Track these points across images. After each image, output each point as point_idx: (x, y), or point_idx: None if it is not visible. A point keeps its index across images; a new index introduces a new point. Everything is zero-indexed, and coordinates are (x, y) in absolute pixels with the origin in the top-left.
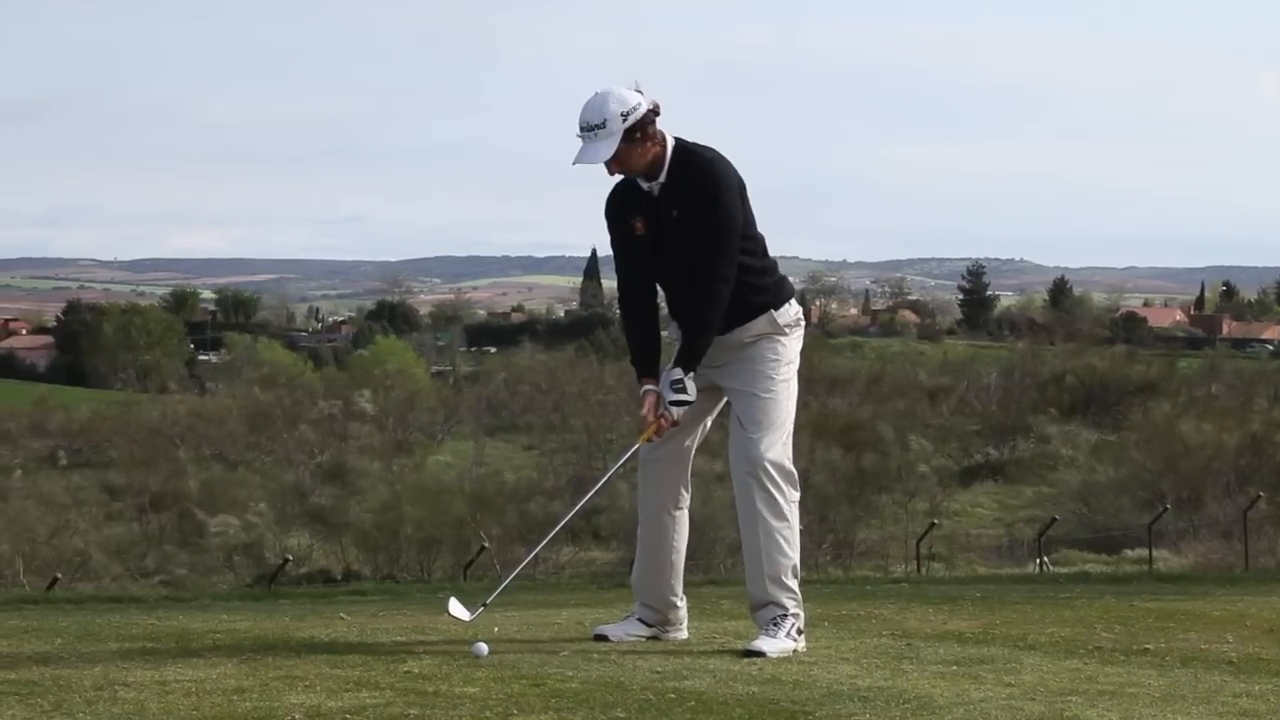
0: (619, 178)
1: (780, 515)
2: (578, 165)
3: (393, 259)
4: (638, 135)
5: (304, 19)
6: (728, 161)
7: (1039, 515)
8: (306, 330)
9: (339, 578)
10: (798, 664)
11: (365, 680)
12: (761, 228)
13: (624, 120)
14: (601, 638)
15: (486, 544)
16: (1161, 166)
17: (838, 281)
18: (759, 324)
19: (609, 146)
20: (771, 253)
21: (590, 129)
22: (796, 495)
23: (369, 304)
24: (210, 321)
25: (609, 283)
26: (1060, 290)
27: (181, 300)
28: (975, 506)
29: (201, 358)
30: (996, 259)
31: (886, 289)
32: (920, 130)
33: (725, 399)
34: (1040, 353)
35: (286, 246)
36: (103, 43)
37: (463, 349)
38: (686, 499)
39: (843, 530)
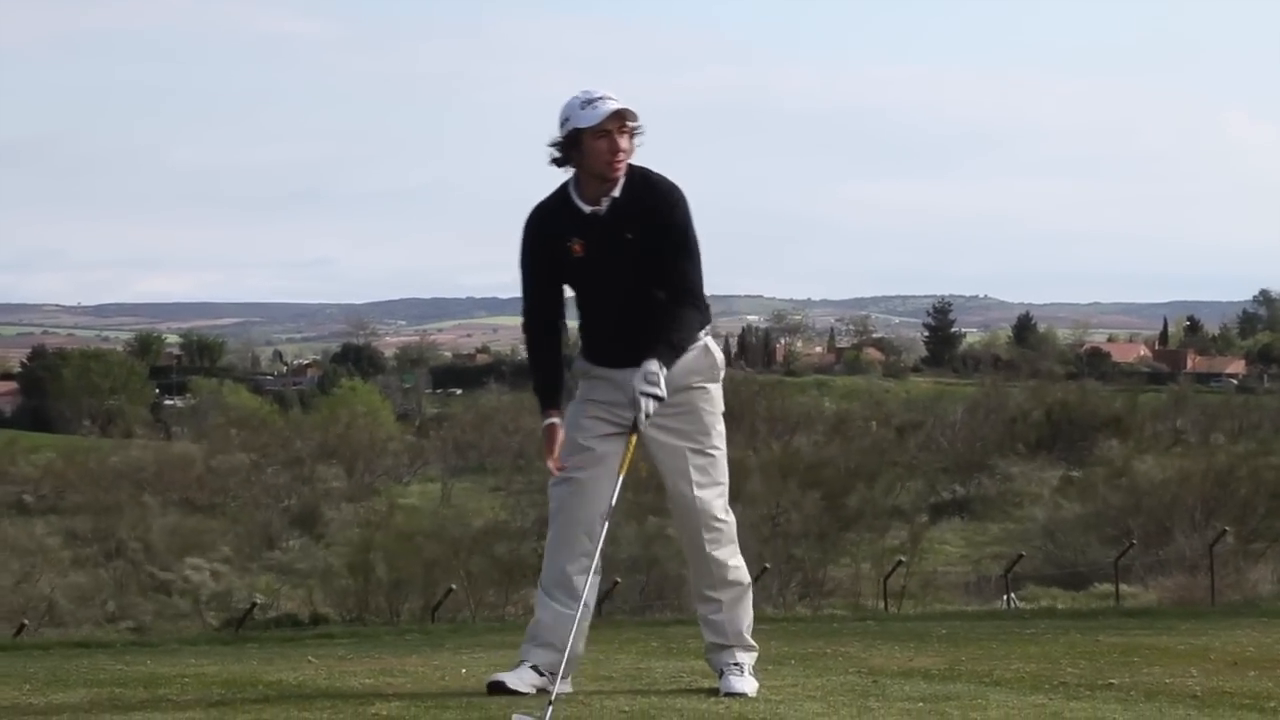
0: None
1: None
2: (610, 110)
3: (358, 302)
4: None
5: (270, 64)
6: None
7: (1006, 552)
8: (272, 374)
9: (307, 621)
10: (765, 702)
11: None
12: (727, 267)
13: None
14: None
15: (454, 586)
16: (1125, 203)
17: (802, 320)
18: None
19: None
20: (737, 291)
21: (605, 95)
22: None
23: (334, 347)
24: (175, 366)
25: (574, 324)
26: (1025, 326)
27: (146, 345)
28: (942, 544)
29: (167, 402)
30: (961, 296)
31: (851, 327)
32: (884, 169)
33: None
34: (1005, 389)
35: (252, 290)
36: (67, 88)
37: (428, 391)
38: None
39: (811, 569)
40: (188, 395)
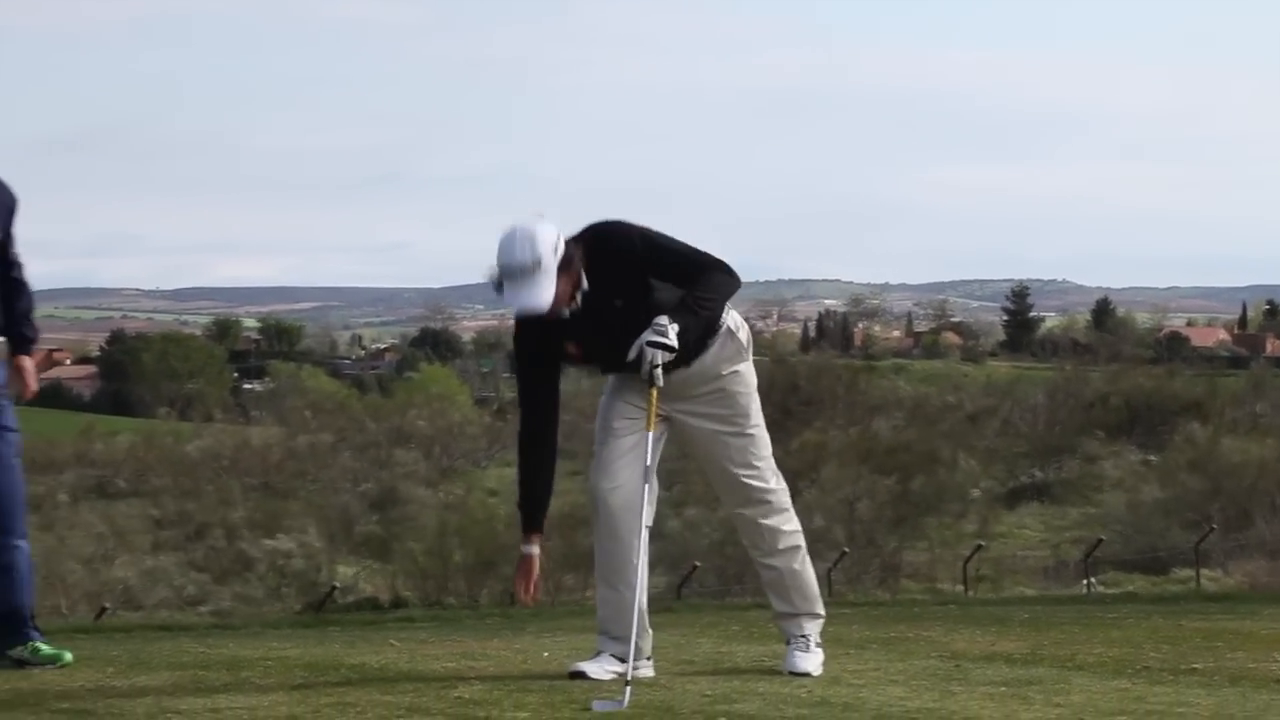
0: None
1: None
2: (521, 312)
3: (435, 286)
4: (563, 269)
5: (347, 49)
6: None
7: (1085, 536)
8: (350, 358)
9: (387, 605)
10: (847, 686)
11: (417, 706)
12: (805, 250)
13: (555, 255)
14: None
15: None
16: (1204, 186)
17: (880, 304)
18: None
19: (549, 287)
20: (815, 275)
21: (523, 271)
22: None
23: (412, 331)
24: (254, 350)
25: None
26: (1103, 311)
27: (224, 329)
28: (1021, 528)
29: (245, 386)
30: (1039, 280)
31: (929, 311)
32: (963, 152)
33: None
34: (1084, 373)
35: (329, 274)
36: (145, 73)
37: (506, 375)
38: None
39: (889, 553)
40: (266, 379)
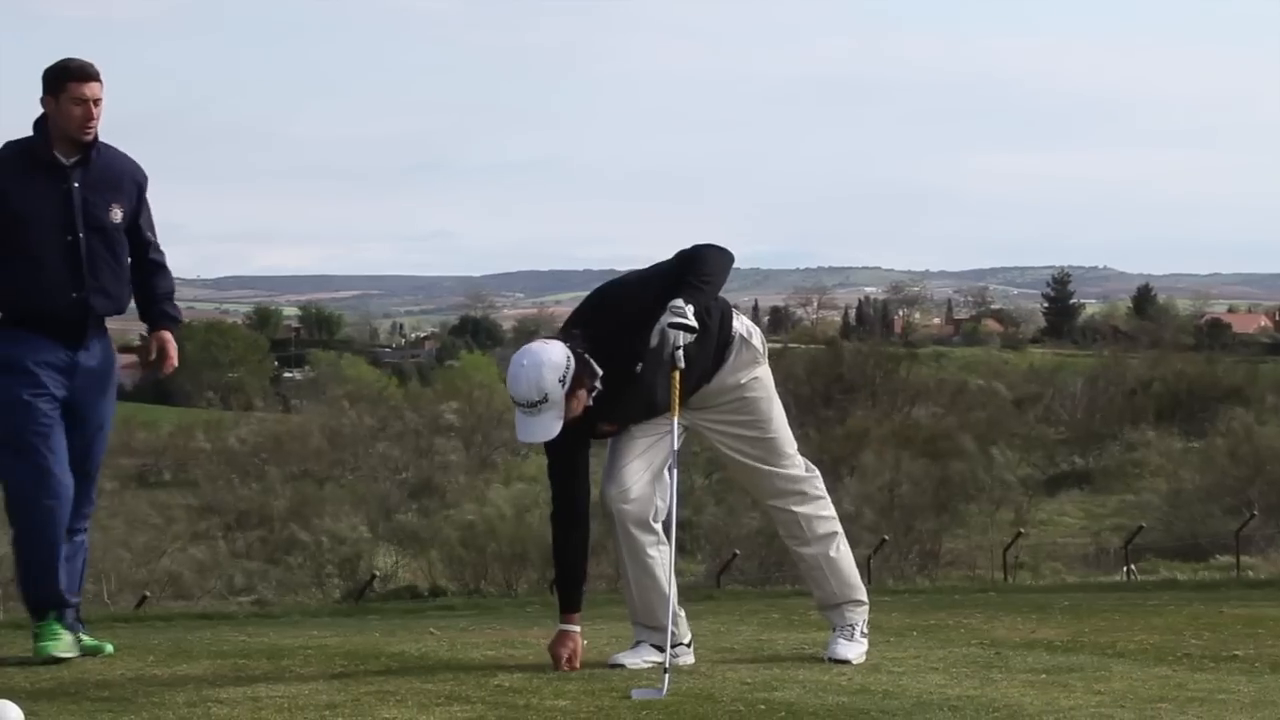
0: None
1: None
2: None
3: (476, 274)
4: (575, 388)
5: (389, 39)
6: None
7: (1125, 523)
8: (390, 346)
9: (426, 594)
10: (887, 674)
11: (456, 694)
12: (846, 237)
13: (563, 386)
14: (618, 666)
15: None
16: (1245, 172)
17: (921, 291)
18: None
19: (556, 418)
20: (855, 263)
21: (532, 405)
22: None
23: (452, 319)
24: (294, 338)
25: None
26: (1144, 297)
27: (265, 317)
28: (1061, 515)
29: (286, 375)
30: (1080, 267)
31: (970, 298)
32: (1005, 139)
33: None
34: (1125, 360)
35: (370, 263)
36: (189, 63)
37: None
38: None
39: (928, 540)
40: (306, 368)
